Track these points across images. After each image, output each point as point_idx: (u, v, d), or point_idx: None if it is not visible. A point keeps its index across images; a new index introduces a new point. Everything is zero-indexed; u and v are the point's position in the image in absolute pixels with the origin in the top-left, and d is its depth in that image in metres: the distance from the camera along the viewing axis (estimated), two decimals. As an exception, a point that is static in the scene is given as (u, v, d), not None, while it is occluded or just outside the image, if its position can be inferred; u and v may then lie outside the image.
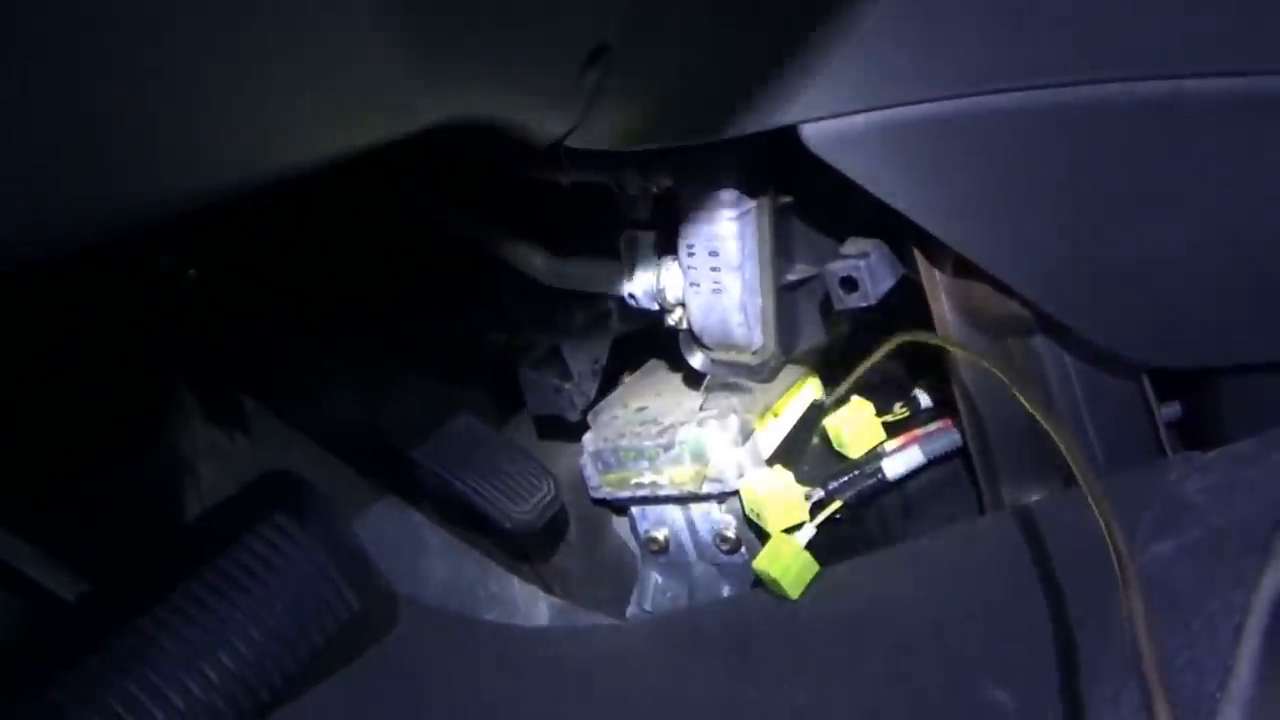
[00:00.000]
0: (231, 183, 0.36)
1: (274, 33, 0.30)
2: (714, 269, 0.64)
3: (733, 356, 0.68)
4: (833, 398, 0.73)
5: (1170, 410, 0.62)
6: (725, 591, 0.73)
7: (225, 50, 0.29)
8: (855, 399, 0.74)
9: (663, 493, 0.72)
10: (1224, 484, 0.53)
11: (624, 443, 0.72)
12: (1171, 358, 0.57)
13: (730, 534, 0.71)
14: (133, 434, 0.72)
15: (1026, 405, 0.50)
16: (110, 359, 0.74)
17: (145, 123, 0.29)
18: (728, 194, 0.61)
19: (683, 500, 0.72)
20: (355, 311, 0.84)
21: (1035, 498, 0.62)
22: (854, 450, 0.71)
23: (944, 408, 0.69)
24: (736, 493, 0.69)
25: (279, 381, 0.79)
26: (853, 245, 0.63)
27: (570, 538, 0.80)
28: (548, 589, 0.77)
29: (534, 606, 0.76)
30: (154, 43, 0.28)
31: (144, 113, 0.29)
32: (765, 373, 0.69)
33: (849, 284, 0.61)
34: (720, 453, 0.68)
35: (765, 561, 0.65)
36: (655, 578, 0.76)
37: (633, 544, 0.79)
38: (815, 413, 0.77)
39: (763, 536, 0.68)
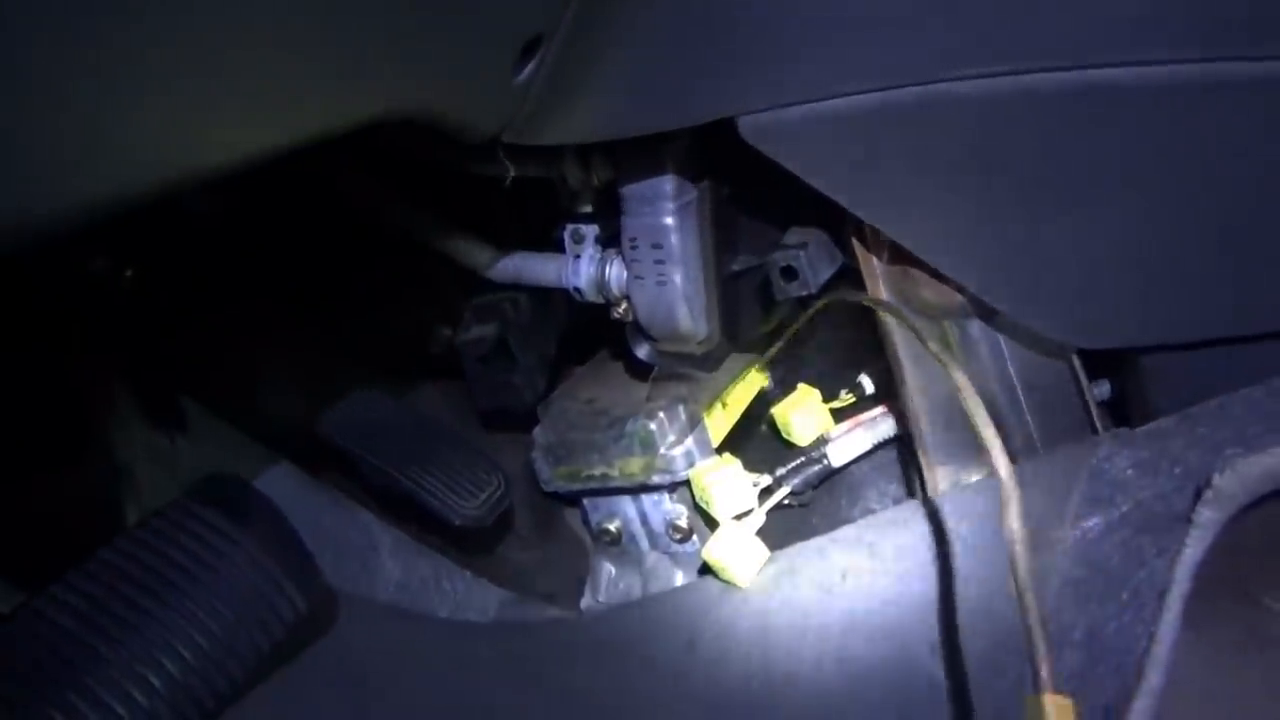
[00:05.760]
0: (156, 185, 0.35)
1: (193, 32, 0.30)
2: (658, 261, 0.64)
3: (679, 347, 0.68)
4: (755, 365, 0.74)
5: (1100, 389, 0.64)
6: (678, 580, 0.73)
7: (141, 49, 0.29)
8: (802, 387, 0.75)
9: (614, 484, 0.72)
10: (1150, 459, 0.55)
11: (574, 435, 0.73)
12: (1096, 339, 0.59)
13: (682, 523, 0.72)
14: (69, 438, 0.71)
15: (947, 370, 0.51)
16: (45, 362, 0.72)
17: (64, 128, 0.29)
18: (669, 185, 0.62)
19: (633, 491, 0.72)
20: (298, 309, 0.83)
21: (975, 477, 0.63)
22: (801, 437, 0.72)
23: (888, 393, 0.71)
24: (687, 482, 0.69)
25: (220, 382, 0.77)
26: (793, 235, 0.64)
27: (522, 531, 0.80)
28: (500, 583, 0.77)
29: (486, 601, 0.76)
30: (72, 45, 0.27)
31: (62, 118, 0.28)
32: (711, 363, 0.69)
33: (789, 273, 0.62)
34: (669, 442, 0.69)
35: (715, 549, 0.66)
36: (608, 569, 0.77)
37: (585, 535, 0.79)
38: (762, 400, 0.78)
39: (713, 524, 0.69)
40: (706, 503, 0.68)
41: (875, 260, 0.62)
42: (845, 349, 0.78)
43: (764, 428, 0.77)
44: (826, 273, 0.63)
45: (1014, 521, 0.44)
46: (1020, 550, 0.43)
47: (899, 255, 0.60)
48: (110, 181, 0.33)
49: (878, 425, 0.70)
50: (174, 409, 0.74)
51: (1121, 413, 0.64)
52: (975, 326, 0.62)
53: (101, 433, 0.71)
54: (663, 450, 0.69)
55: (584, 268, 0.68)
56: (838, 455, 0.70)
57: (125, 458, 0.70)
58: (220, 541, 0.56)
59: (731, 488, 0.67)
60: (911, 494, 0.69)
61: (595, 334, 0.81)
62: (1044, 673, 0.40)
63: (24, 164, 0.29)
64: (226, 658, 0.54)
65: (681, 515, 0.72)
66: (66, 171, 0.30)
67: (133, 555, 0.56)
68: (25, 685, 0.52)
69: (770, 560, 0.66)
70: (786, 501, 0.70)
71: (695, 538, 0.72)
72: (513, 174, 0.62)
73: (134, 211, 0.35)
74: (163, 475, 0.70)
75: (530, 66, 0.47)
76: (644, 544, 0.75)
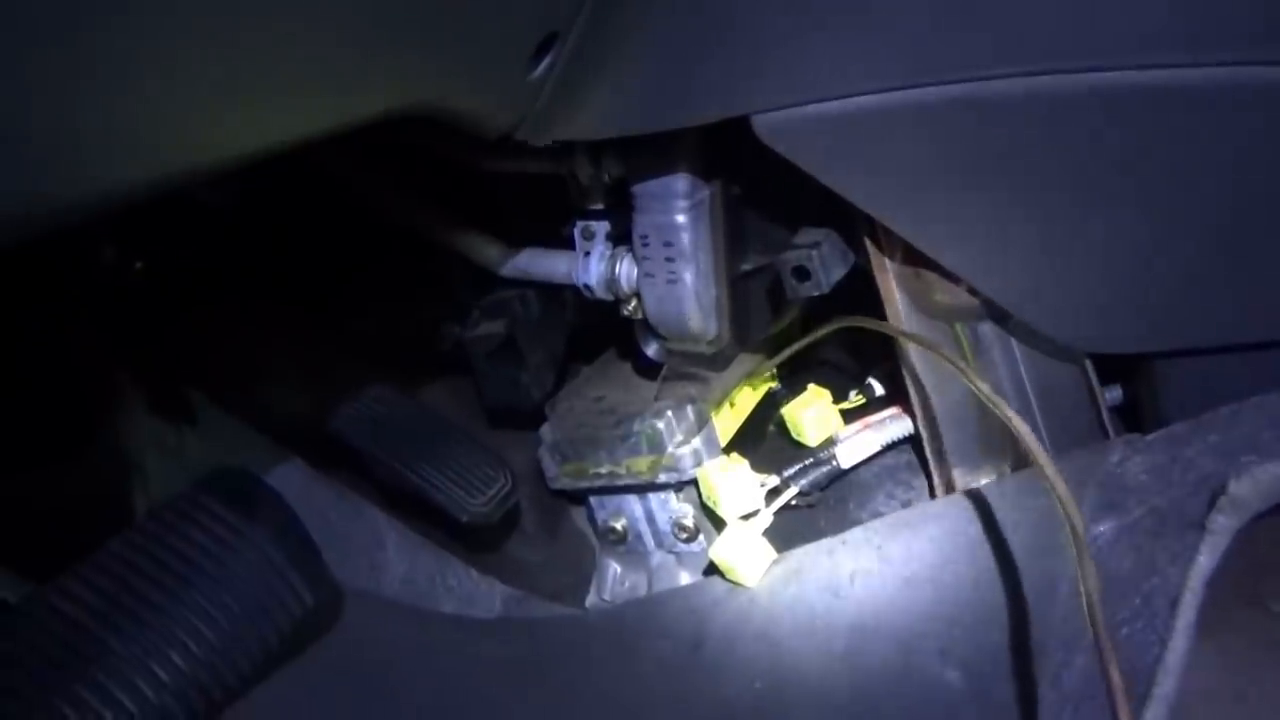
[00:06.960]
0: (173, 174, 0.35)
1: (213, 24, 0.30)
2: (668, 259, 0.64)
3: (688, 346, 0.68)
4: (763, 372, 0.74)
5: (1112, 394, 0.63)
6: (684, 580, 0.73)
7: (159, 39, 0.29)
8: (811, 387, 0.75)
9: (621, 482, 0.72)
10: (1163, 465, 0.55)
11: (581, 433, 0.72)
12: (1109, 344, 0.59)
13: (688, 522, 0.71)
14: (78, 430, 0.71)
15: (973, 386, 0.51)
16: (54, 353, 0.73)
17: (82, 118, 0.28)
18: (681, 183, 0.62)
19: (640, 489, 0.72)
20: (306, 304, 0.83)
21: (985, 481, 0.63)
22: (810, 438, 0.72)
23: (898, 395, 0.70)
24: (694, 481, 0.69)
25: (228, 375, 0.77)
26: (805, 235, 0.64)
27: (528, 528, 0.80)
28: (506, 580, 0.76)
29: (492, 598, 0.75)
30: (92, 37, 0.27)
31: (80, 108, 0.28)
32: (720, 362, 0.69)
33: (801, 273, 0.62)
34: (676, 441, 0.69)
35: (722, 549, 0.65)
36: (614, 567, 0.77)
37: (591, 534, 0.79)
38: (770, 401, 0.78)
39: (720, 524, 0.69)
40: (713, 502, 0.68)
41: (888, 261, 0.62)
42: (855, 350, 0.78)
43: (773, 428, 0.77)
44: (839, 273, 0.63)
45: (1091, 582, 0.43)
46: (1099, 611, 0.42)
47: (912, 256, 0.60)
48: (126, 171, 0.33)
49: (887, 427, 0.70)
50: (182, 401, 0.74)
51: (1133, 418, 0.63)
52: (987, 329, 0.62)
53: (109, 424, 0.71)
54: (670, 449, 0.69)
55: (594, 265, 0.68)
56: (847, 456, 0.70)
57: (133, 449, 0.70)
58: (228, 535, 0.56)
59: (739, 487, 0.67)
60: (921, 496, 0.69)
61: (604, 332, 0.81)
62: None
63: (43, 151, 0.29)
64: (233, 651, 0.54)
65: (687, 514, 0.72)
66: (87, 158, 0.30)
67: (140, 548, 0.56)
68: (32, 676, 0.51)
69: (777, 561, 0.65)
70: (794, 502, 0.70)
71: (701, 537, 0.72)
72: (524, 170, 0.62)
73: (147, 202, 0.35)
74: (170, 467, 0.70)
75: (545, 63, 0.47)
76: (650, 543, 0.74)
